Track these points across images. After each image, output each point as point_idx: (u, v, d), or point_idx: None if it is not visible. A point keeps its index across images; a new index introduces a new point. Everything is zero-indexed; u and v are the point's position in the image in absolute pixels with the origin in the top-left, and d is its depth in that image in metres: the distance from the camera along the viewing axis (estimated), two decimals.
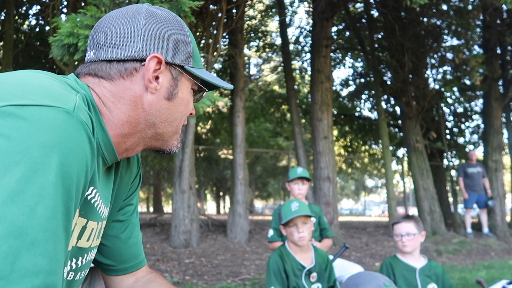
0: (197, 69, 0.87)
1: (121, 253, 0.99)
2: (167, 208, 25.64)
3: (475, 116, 12.97)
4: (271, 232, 3.29)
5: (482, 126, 11.47)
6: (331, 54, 9.62)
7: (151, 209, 20.90)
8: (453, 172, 11.30)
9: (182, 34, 0.84)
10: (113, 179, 0.90)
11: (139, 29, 0.80)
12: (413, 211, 15.70)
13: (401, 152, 14.70)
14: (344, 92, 15.10)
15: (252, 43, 13.18)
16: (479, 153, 11.03)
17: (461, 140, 13.50)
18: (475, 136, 13.40)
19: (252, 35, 12.75)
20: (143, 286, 1.02)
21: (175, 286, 4.04)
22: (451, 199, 11.31)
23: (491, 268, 5.31)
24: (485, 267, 5.44)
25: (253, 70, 16.23)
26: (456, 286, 4.19)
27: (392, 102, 12.53)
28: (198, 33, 6.65)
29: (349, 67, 15.69)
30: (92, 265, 0.92)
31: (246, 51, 12.82)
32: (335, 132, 14.85)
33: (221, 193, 22.29)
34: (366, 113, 15.60)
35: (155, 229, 7.66)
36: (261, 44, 13.24)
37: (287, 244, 2.50)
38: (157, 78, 0.80)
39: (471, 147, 12.99)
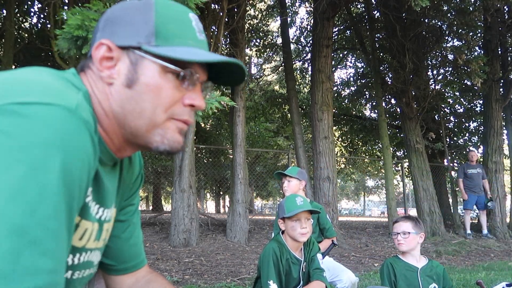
0: (165, 47, 0.75)
1: (121, 253, 0.98)
2: (167, 207, 25.67)
3: (475, 117, 12.97)
4: (274, 233, 3.30)
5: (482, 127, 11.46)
6: (332, 54, 9.61)
7: (151, 208, 20.92)
8: (453, 173, 11.29)
9: (141, 11, 0.76)
10: (117, 180, 0.89)
11: (100, 22, 0.79)
12: (412, 212, 15.71)
13: (401, 152, 14.72)
14: (345, 92, 15.12)
15: (253, 43, 13.18)
16: (479, 154, 11.02)
17: (461, 141, 13.50)
18: (475, 137, 13.41)
19: (253, 34, 12.76)
20: (143, 285, 1.02)
21: (175, 286, 4.04)
22: (450, 200, 11.30)
23: (490, 270, 5.30)
24: (484, 269, 5.44)
25: (253, 70, 16.25)
26: (456, 287, 4.19)
27: (393, 102, 12.56)
28: None
29: (350, 67, 15.70)
30: None
31: (247, 50, 12.81)
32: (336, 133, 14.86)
33: (221, 193, 22.31)
34: (366, 113, 15.63)
35: (154, 228, 7.66)
36: (262, 43, 13.24)
37: (283, 236, 2.45)
38: (115, 66, 0.76)
39: (471, 148, 12.98)
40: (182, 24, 0.78)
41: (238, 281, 4.35)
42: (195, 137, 8.27)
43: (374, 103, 12.92)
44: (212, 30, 6.96)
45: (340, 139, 16.37)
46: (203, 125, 14.83)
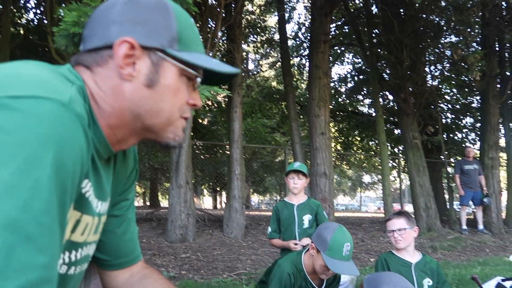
0: (185, 52, 0.80)
1: (116, 248, 0.98)
2: (164, 202, 25.66)
3: (472, 113, 13.00)
4: (269, 229, 3.34)
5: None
6: (330, 50, 9.60)
7: (148, 204, 20.91)
8: (449, 169, 11.33)
9: (163, 15, 0.79)
10: (112, 173, 0.89)
11: (114, 15, 0.77)
12: (408, 207, 15.79)
13: (398, 148, 14.75)
14: (342, 89, 15.12)
15: (250, 39, 13.15)
16: (475, 150, 11.06)
17: (458, 137, 13.54)
18: (472, 133, 13.45)
19: (251, 30, 12.72)
20: (139, 281, 1.02)
21: (171, 281, 4.04)
22: (446, 196, 11.35)
23: (486, 265, 5.34)
24: (480, 264, 5.47)
25: (251, 66, 16.23)
26: (451, 282, 4.22)
27: (390, 98, 12.56)
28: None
29: (348, 63, 15.70)
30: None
31: (244, 46, 12.78)
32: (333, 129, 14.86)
33: (217, 188, 22.31)
34: (363, 109, 15.63)
35: (151, 224, 7.67)
36: (260, 39, 13.21)
37: (303, 260, 2.33)
38: (134, 64, 0.76)
39: (468, 144, 13.02)
40: (193, 30, 0.84)
41: (234, 276, 4.36)
42: (192, 133, 8.27)
43: (371, 99, 12.93)
44: (209, 25, 6.94)
45: (334, 135, 16.35)
46: (200, 120, 14.81)
